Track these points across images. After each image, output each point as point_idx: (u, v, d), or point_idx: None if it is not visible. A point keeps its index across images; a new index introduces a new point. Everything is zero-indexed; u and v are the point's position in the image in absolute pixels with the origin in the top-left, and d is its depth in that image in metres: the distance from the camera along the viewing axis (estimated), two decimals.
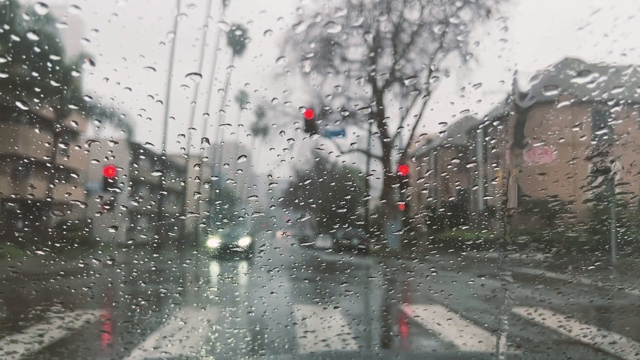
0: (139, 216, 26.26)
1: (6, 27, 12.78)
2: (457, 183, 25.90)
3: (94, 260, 6.27)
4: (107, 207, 14.09)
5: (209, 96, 18.34)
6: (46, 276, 6.18)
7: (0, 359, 4.60)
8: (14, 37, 10.73)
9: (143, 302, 6.82)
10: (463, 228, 23.46)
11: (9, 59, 5.39)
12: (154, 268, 11.41)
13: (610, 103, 4.09)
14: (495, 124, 6.74)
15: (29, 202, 20.15)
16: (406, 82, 26.83)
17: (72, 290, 5.95)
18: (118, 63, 4.83)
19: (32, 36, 5.53)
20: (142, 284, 7.39)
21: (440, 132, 11.48)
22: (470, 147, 25.78)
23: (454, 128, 23.19)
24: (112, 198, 13.90)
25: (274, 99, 41.89)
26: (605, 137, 5.83)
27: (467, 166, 23.75)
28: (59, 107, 20.51)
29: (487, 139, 19.24)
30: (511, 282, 2.52)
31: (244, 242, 19.05)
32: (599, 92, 3.42)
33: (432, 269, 9.80)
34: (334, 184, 18.61)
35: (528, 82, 2.60)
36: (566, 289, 7.24)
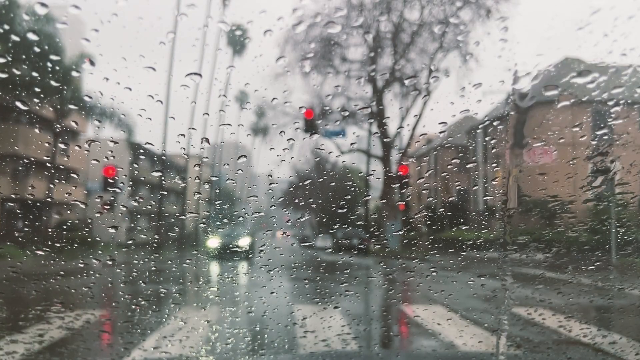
0: (139, 216, 26.27)
1: (6, 27, 12.81)
2: (457, 183, 25.90)
3: (94, 260, 6.28)
4: (107, 207, 14.09)
5: (209, 96, 18.31)
6: (46, 276, 6.19)
7: (0, 359, 4.60)
8: (14, 37, 10.76)
9: (143, 302, 6.82)
10: (463, 228, 23.44)
11: (9, 59, 5.38)
12: (154, 268, 11.41)
13: (610, 103, 4.09)
14: (495, 124, 6.73)
15: (29, 202, 20.15)
16: (406, 82, 26.86)
17: (72, 290, 5.96)
18: (118, 63, 4.84)
19: (32, 36, 5.53)
20: (142, 284, 7.39)
21: (440, 132, 11.47)
22: (470, 147, 25.77)
23: (454, 128, 23.18)
24: (112, 198, 13.90)
25: (274, 99, 41.94)
26: (605, 137, 5.83)
27: (467, 166, 23.76)
28: (59, 107, 20.51)
29: (487, 139, 19.23)
30: (511, 282, 2.52)
31: (244, 242, 19.05)
32: (599, 92, 3.42)
33: (432, 269, 9.81)
34: (334, 184, 18.64)
35: (528, 82, 2.61)
36: (566, 289, 7.24)
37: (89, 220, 18.27)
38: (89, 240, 14.42)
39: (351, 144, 25.04)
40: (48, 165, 19.54)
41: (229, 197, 29.31)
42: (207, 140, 7.94)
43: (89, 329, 6.18)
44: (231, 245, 18.56)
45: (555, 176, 6.70)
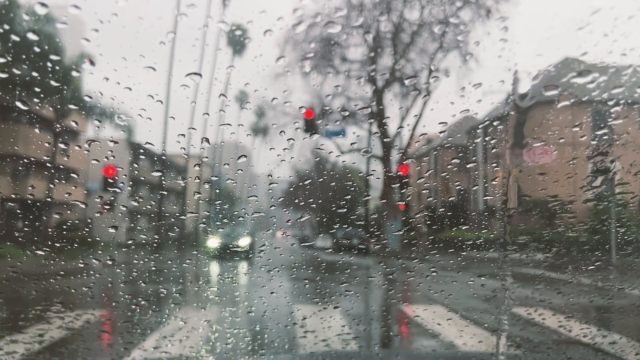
0: (139, 216, 26.27)
1: (6, 27, 12.81)
2: (457, 183, 25.90)
3: (94, 260, 6.28)
4: (107, 207, 14.09)
5: (209, 96, 18.29)
6: (46, 276, 6.18)
7: (0, 359, 4.60)
8: (14, 37, 10.77)
9: (143, 302, 6.82)
10: (463, 228, 23.45)
11: (9, 59, 5.38)
12: (154, 268, 11.41)
13: (610, 103, 4.09)
14: (495, 124, 6.74)
15: (29, 202, 20.16)
16: (406, 82, 26.85)
17: (72, 290, 5.96)
18: (118, 63, 4.84)
19: (32, 36, 5.54)
20: (142, 284, 7.38)
21: (440, 132, 11.46)
22: (470, 147, 25.77)
23: (454, 128, 23.17)
24: (112, 198, 13.90)
25: (274, 99, 41.88)
26: (605, 137, 5.82)
27: (467, 166, 23.77)
28: (59, 107, 20.51)
29: (487, 139, 19.23)
30: (511, 282, 2.52)
31: (244, 242, 19.06)
32: (599, 92, 3.42)
33: (432, 269, 9.81)
34: (334, 184, 18.62)
35: (528, 82, 2.61)
36: (566, 289, 7.24)
37: (89, 220, 18.27)
38: (89, 240, 14.42)
39: (351, 144, 25.05)
40: (48, 165, 19.55)
41: (229, 197, 29.32)
42: (207, 140, 7.96)
43: (89, 329, 6.18)
44: (231, 245, 18.57)
45: (555, 176, 6.70)
